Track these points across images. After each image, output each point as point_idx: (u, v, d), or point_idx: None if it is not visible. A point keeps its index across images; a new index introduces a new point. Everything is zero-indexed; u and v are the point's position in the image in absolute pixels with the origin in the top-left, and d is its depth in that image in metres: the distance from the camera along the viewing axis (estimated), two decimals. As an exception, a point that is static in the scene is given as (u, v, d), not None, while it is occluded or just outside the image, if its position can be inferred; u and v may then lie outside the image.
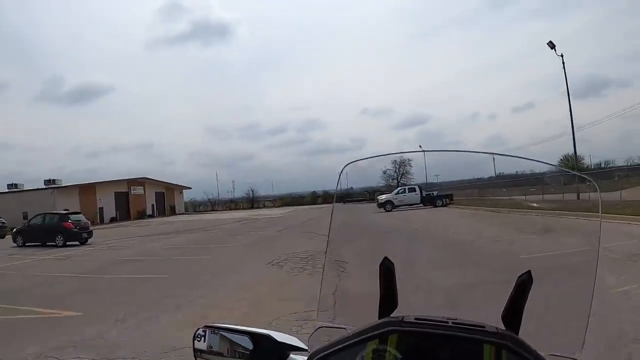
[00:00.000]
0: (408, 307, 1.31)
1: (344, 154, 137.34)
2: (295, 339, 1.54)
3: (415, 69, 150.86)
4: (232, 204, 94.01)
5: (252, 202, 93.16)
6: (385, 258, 1.37)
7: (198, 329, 1.57)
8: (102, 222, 62.97)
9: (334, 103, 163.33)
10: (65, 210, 34.55)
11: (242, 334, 1.49)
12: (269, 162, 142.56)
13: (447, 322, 1.14)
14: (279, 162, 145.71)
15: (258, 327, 1.57)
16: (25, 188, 63.53)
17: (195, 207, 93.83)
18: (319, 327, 1.50)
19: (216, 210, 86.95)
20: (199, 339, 1.54)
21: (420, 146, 73.84)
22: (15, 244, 27.81)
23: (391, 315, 1.27)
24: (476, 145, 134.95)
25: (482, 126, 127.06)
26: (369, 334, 1.16)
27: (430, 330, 1.13)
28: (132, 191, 71.98)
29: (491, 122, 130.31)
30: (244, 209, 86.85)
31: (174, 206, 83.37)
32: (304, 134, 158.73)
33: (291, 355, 1.45)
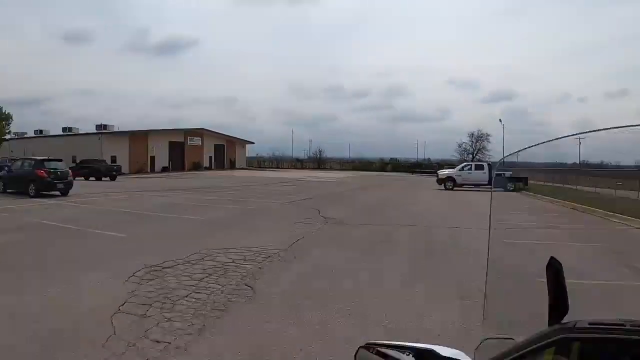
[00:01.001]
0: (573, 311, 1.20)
1: (425, 123, 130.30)
2: (461, 352, 1.44)
3: (504, 44, 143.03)
4: (297, 163, 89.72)
5: (318, 163, 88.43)
6: (552, 258, 1.26)
7: (359, 348, 1.54)
8: (152, 170, 60.46)
9: (420, 71, 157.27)
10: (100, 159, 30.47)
11: (405, 350, 1.43)
12: (349, 125, 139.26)
13: (625, 325, 1.04)
14: (359, 126, 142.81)
15: (420, 342, 1.50)
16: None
17: (260, 163, 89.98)
18: (485, 339, 1.45)
19: (279, 169, 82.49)
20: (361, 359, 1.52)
21: (500, 120, 65.16)
22: (-3, 190, 24.61)
23: (562, 321, 1.16)
24: (562, 128, 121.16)
25: (571, 108, 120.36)
26: (541, 343, 1.08)
27: (609, 336, 1.03)
28: (188, 142, 68.66)
29: (580, 105, 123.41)
30: (309, 169, 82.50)
31: (234, 160, 79.76)
32: (387, 100, 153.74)
33: None
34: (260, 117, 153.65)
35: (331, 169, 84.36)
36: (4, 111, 49.50)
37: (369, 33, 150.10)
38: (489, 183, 33.21)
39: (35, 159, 24.01)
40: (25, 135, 64.15)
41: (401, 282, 7.66)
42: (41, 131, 64.31)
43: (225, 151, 78.44)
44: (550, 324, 1.19)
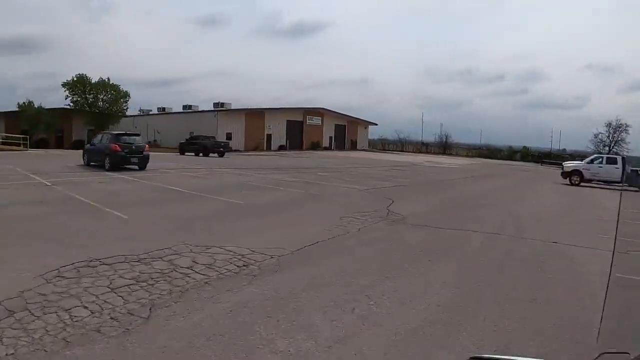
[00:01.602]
0: None
1: (561, 111, 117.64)
2: None
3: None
4: (423, 147, 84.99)
5: (444, 148, 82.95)
6: None
7: None
8: (269, 149, 60.21)
9: (557, 55, 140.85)
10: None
11: None
12: (481, 110, 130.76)
13: None
14: (491, 111, 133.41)
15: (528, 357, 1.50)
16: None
17: (384, 146, 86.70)
18: (601, 354, 1.39)
19: (403, 152, 78.52)
20: None
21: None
22: (83, 162, 24.58)
23: None
24: None
25: None
26: None
27: None
28: (307, 121, 67.43)
29: None
30: (434, 154, 77.65)
31: (356, 141, 77.37)
32: (522, 85, 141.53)
33: None
34: (389, 99, 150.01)
35: (456, 155, 78.49)
36: (122, 89, 51.62)
37: (506, 14, 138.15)
38: (622, 180, 27.06)
39: (112, 134, 23.46)
40: (150, 112, 67.39)
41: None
42: (164, 108, 67.06)
43: (346, 132, 76.43)
44: None
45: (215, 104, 61.43)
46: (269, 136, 61.93)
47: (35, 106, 47.39)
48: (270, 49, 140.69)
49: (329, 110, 71.13)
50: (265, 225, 9.82)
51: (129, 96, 52.48)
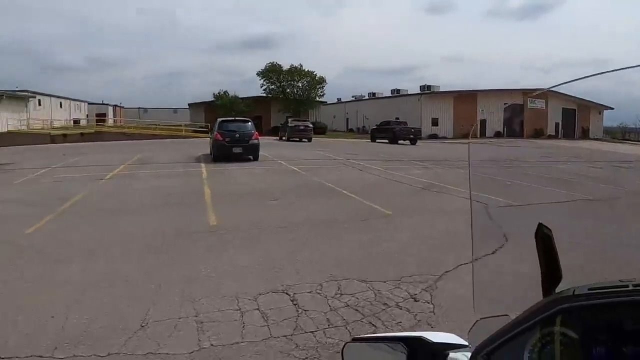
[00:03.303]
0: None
1: None
2: (453, 335, 1.37)
3: None
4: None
5: None
6: (540, 224, 1.15)
7: (345, 343, 1.41)
8: (482, 135, 53.93)
9: None
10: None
11: (393, 341, 1.33)
12: None
13: (627, 286, 0.97)
14: None
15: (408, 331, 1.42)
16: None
17: (624, 134, 71.23)
18: (478, 320, 1.34)
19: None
20: (348, 356, 1.39)
21: None
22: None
23: (558, 291, 1.08)
24: None
25: None
26: (536, 318, 1.01)
27: (611, 300, 0.96)
28: (528, 104, 58.38)
29: None
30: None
31: (588, 129, 64.87)
32: None
33: (450, 355, 1.27)
34: (632, 80, 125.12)
35: None
36: (316, 75, 51.20)
37: None
38: None
39: (219, 121, 21.53)
40: (363, 98, 66.55)
41: None
42: (374, 94, 65.41)
43: (576, 117, 64.49)
44: (545, 294, 1.11)
45: (422, 87, 57.26)
46: (483, 122, 55.24)
47: (230, 95, 50.10)
48: (502, 31, 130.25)
49: (554, 92, 60.61)
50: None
51: (325, 82, 52.14)
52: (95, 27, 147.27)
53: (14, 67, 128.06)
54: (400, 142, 36.98)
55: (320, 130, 47.92)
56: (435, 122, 51.35)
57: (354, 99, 66.91)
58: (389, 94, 63.07)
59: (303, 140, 36.44)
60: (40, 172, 17.71)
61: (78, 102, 67.72)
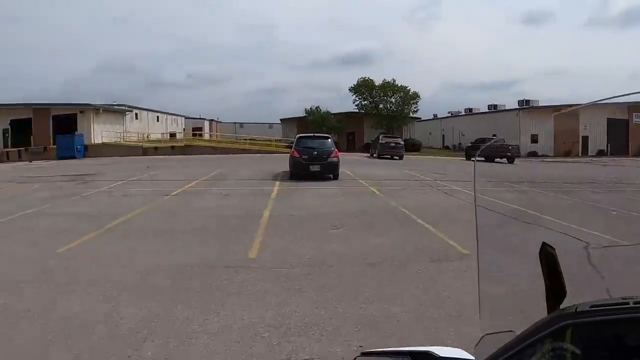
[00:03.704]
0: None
1: None
2: (460, 350, 1.42)
3: None
4: None
5: None
6: (544, 244, 1.24)
7: (355, 358, 1.43)
8: (584, 154, 49.03)
9: None
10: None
11: (402, 356, 1.38)
12: None
13: (628, 303, 1.01)
14: None
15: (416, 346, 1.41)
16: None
17: None
18: (485, 335, 1.40)
19: None
20: None
21: None
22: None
23: (562, 307, 1.12)
24: None
25: None
26: (541, 334, 1.04)
27: (612, 317, 0.99)
28: (633, 119, 52.51)
29: None
30: None
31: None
32: None
33: None
34: None
35: None
36: (409, 90, 49.25)
37: None
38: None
39: (298, 137, 20.20)
40: (459, 114, 63.69)
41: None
42: (470, 109, 62.29)
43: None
44: (549, 311, 1.15)
45: (520, 102, 53.42)
46: (585, 138, 50.55)
47: (322, 111, 49.33)
48: (605, 40, 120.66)
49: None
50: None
51: (419, 97, 50.12)
52: (196, 45, 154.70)
53: (121, 83, 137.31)
54: (496, 160, 34.15)
55: (413, 147, 45.88)
56: (534, 139, 47.56)
57: (449, 115, 64.20)
58: (486, 110, 59.79)
59: (394, 157, 34.65)
60: (114, 185, 17.62)
61: (175, 116, 70.41)
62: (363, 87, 50.53)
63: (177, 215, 11.11)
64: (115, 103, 50.40)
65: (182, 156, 38.39)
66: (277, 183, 17.13)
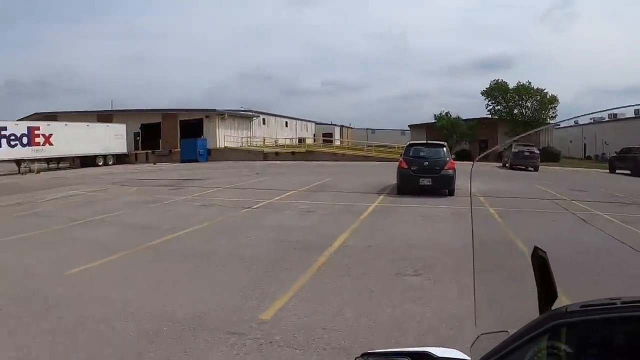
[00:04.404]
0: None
1: None
2: (456, 351, 1.47)
3: None
4: None
5: None
6: (536, 247, 1.27)
7: (355, 359, 1.38)
8: None
9: None
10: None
11: (401, 356, 1.39)
12: None
13: (615, 303, 1.03)
14: None
15: (414, 347, 1.41)
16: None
17: None
18: (480, 335, 1.43)
19: None
20: None
21: None
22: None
23: (553, 308, 1.16)
24: None
25: None
26: (533, 333, 1.07)
27: (600, 316, 1.03)
28: None
29: None
30: None
31: None
32: None
33: None
34: None
35: None
36: (547, 94, 43.28)
37: None
38: None
39: (408, 144, 16.96)
40: (603, 120, 55.60)
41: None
42: (615, 115, 53.87)
43: None
44: (541, 312, 1.18)
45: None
46: None
47: (452, 117, 45.22)
48: None
49: None
50: None
51: (557, 101, 44.01)
52: (331, 53, 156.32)
53: (258, 91, 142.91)
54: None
55: (551, 156, 40.08)
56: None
57: (592, 121, 56.37)
58: (632, 115, 51.24)
59: (529, 169, 30.19)
60: (205, 192, 16.49)
61: (305, 122, 70.41)
62: (496, 91, 45.60)
63: (232, 236, 9.11)
64: (242, 109, 51.09)
65: (301, 162, 37.30)
66: (379, 198, 14.46)
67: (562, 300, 1.14)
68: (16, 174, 30.37)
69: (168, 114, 44.83)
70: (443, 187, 14.95)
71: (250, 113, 50.46)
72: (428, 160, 15.17)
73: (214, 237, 9.08)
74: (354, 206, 12.78)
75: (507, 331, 1.26)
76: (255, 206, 13.00)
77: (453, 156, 16.32)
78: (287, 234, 9.11)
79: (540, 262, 1.24)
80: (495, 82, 46.27)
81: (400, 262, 6.96)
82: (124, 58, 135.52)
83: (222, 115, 44.28)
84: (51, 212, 12.94)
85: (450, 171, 14.86)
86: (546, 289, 1.21)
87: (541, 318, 1.10)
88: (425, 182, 14.81)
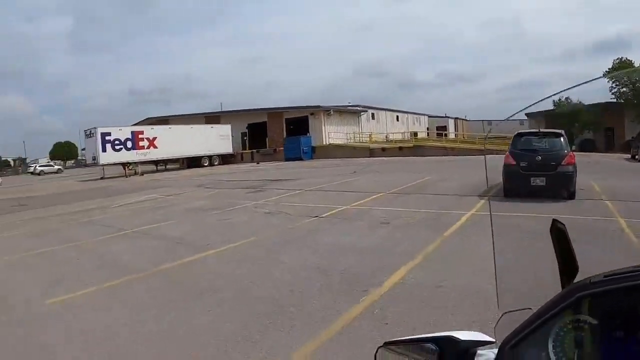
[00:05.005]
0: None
1: None
2: (480, 333, 1.35)
3: None
4: None
5: None
6: (555, 220, 1.22)
7: (378, 348, 1.34)
8: None
9: None
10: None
11: (425, 342, 1.29)
12: None
13: (639, 271, 0.99)
14: None
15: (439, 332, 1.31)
16: None
17: None
18: (503, 314, 1.34)
19: None
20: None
21: None
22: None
23: (575, 281, 1.11)
24: None
25: None
26: (557, 308, 1.03)
27: (623, 285, 0.98)
28: None
29: None
30: None
31: None
32: None
33: (479, 352, 1.25)
34: None
35: None
36: None
37: None
38: None
39: (516, 134, 13.13)
40: None
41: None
42: None
43: None
44: (563, 286, 1.14)
45: None
46: None
47: (574, 102, 39.47)
48: None
49: None
50: None
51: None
52: (443, 44, 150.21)
53: (371, 87, 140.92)
54: None
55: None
56: None
57: None
58: None
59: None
60: (281, 197, 14.98)
61: (417, 115, 67.33)
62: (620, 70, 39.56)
63: (263, 260, 7.15)
64: (349, 104, 49.42)
65: (408, 158, 34.66)
66: (479, 204, 11.60)
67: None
68: (122, 176, 31.37)
69: (274, 113, 44.46)
70: (561, 188, 11.59)
71: (359, 108, 48.61)
72: (541, 153, 11.85)
73: (241, 261, 7.19)
74: (442, 215, 10.21)
75: (530, 308, 1.17)
76: (325, 214, 10.99)
77: (573, 147, 12.83)
78: (334, 259, 6.92)
79: (559, 235, 1.19)
80: (619, 60, 39.97)
81: (485, 319, 4.39)
82: (243, 60, 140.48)
83: (327, 111, 42.92)
84: (106, 220, 12.13)
85: (570, 167, 11.44)
86: (567, 262, 1.17)
87: (564, 292, 1.06)
88: (538, 182, 11.48)
